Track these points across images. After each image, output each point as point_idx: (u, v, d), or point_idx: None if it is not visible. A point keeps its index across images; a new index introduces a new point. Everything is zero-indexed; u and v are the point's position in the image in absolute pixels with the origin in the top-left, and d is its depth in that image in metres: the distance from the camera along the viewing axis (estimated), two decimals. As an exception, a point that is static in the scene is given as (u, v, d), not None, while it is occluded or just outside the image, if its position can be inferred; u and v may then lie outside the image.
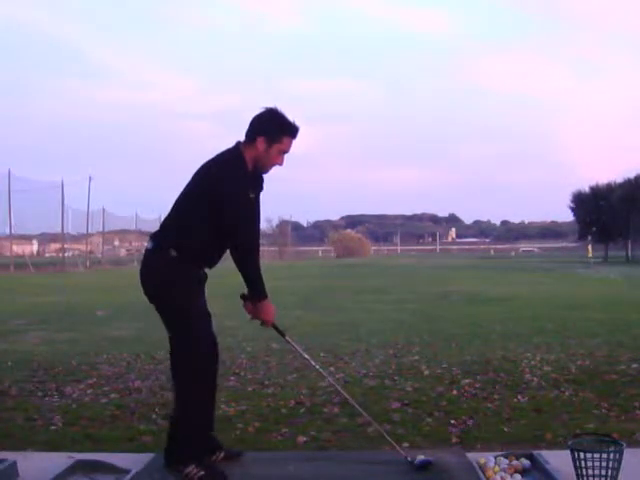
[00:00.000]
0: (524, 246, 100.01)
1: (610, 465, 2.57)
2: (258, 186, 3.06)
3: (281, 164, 3.05)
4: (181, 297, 2.93)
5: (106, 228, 40.71)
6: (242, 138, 3.03)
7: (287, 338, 3.11)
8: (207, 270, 3.07)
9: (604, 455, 2.57)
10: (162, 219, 3.14)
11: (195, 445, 2.91)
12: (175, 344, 2.96)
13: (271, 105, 3.02)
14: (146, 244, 3.08)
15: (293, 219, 76.44)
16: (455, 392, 4.92)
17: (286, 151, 3.03)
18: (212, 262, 3.06)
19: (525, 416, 4.24)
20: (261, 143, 2.95)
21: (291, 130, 3.00)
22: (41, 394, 5.02)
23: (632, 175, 46.71)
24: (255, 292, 2.97)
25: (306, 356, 3.27)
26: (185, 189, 3.02)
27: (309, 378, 5.48)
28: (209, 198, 2.88)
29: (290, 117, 3.00)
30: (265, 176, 3.11)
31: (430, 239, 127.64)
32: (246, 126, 3.04)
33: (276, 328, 3.07)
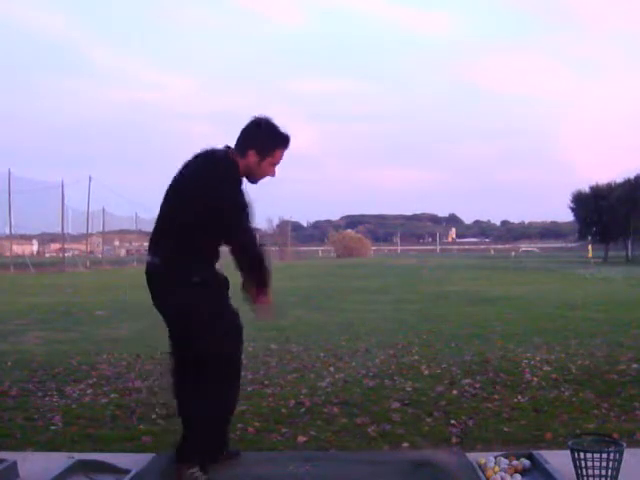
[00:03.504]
0: (524, 246, 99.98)
1: (610, 465, 2.57)
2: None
3: (273, 175, 3.02)
4: (212, 307, 2.88)
5: (106, 228, 40.73)
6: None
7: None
8: None
9: (604, 455, 2.57)
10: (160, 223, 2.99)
11: (205, 447, 2.87)
12: (204, 349, 2.88)
13: (261, 115, 3.00)
14: (149, 258, 2.95)
15: (293, 219, 76.43)
16: (455, 392, 4.92)
17: (278, 162, 3.01)
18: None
19: (525, 416, 4.24)
20: (252, 156, 2.93)
21: (283, 142, 2.98)
22: (41, 394, 5.01)
23: (632, 175, 46.77)
24: (259, 279, 2.94)
25: None
26: (178, 194, 2.93)
27: (309, 378, 5.49)
28: (208, 201, 2.81)
29: (280, 127, 2.97)
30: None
31: (430, 239, 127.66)
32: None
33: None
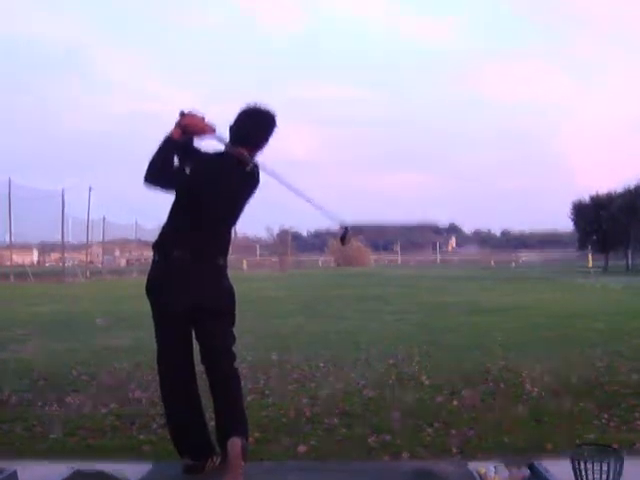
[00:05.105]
0: (524, 255, 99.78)
1: (610, 475, 2.57)
2: None
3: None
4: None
5: (106, 237, 40.48)
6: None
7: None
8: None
9: (604, 465, 2.57)
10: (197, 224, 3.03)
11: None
12: (231, 351, 3.14)
13: (247, 108, 3.12)
14: (178, 253, 2.98)
15: (294, 229, 76.32)
16: (455, 402, 4.92)
17: None
18: None
19: (525, 426, 4.23)
20: (242, 150, 3.07)
21: (269, 137, 3.14)
22: (41, 404, 5.01)
23: (632, 184, 46.77)
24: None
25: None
26: (235, 192, 3.09)
27: (309, 388, 5.48)
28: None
29: (264, 122, 3.11)
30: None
31: (430, 249, 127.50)
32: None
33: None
